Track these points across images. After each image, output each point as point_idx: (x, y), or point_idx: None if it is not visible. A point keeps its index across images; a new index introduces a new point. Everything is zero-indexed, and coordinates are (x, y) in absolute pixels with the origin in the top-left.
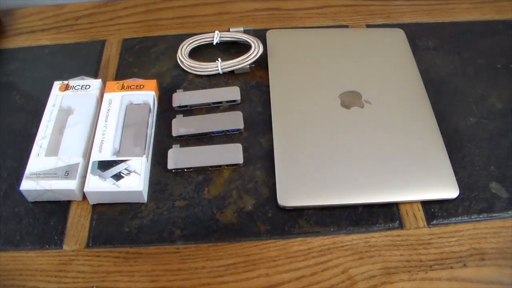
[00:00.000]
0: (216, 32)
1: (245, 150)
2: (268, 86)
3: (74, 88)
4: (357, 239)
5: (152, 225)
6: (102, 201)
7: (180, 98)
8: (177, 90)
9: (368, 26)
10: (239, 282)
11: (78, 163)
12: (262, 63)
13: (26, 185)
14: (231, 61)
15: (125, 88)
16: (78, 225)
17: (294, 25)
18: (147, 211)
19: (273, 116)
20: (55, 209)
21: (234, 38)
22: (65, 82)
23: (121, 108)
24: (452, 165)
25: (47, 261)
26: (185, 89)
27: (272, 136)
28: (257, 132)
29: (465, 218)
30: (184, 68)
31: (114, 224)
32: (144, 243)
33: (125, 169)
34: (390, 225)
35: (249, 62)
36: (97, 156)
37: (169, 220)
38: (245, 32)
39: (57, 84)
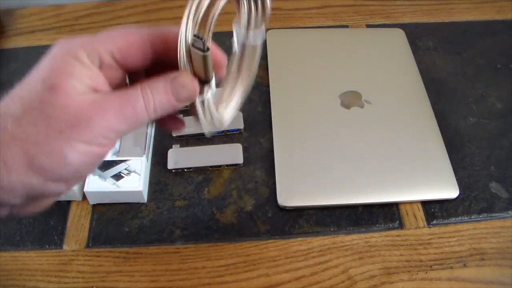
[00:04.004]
0: None
1: (245, 150)
2: (268, 86)
3: None
4: (357, 239)
5: (152, 225)
6: (102, 201)
7: None
8: None
9: (368, 26)
10: (239, 282)
11: None
12: (262, 63)
13: None
14: None
15: None
16: (78, 225)
17: (294, 25)
18: (147, 211)
19: (273, 116)
20: (55, 209)
21: None
22: None
23: None
24: (452, 165)
25: (47, 261)
26: None
27: (272, 136)
28: (257, 132)
29: (465, 218)
30: None
31: (114, 224)
32: (144, 243)
33: (125, 169)
34: (390, 225)
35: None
36: None
37: (169, 220)
38: None
39: None
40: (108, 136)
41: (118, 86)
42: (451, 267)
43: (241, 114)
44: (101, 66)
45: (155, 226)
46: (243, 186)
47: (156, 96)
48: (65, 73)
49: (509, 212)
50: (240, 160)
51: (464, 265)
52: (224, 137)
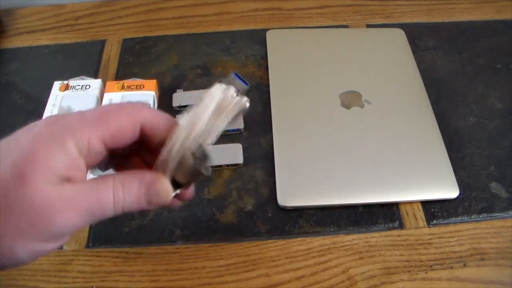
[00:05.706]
0: None
1: (245, 150)
2: (268, 86)
3: (74, 88)
4: (357, 239)
5: (152, 225)
6: None
7: (180, 98)
8: (177, 90)
9: (368, 26)
10: (239, 282)
11: None
12: (262, 63)
13: None
14: None
15: (125, 88)
16: None
17: (294, 25)
18: (147, 211)
19: (273, 116)
20: None
21: None
22: (65, 82)
23: None
24: (452, 165)
25: (47, 261)
26: (185, 89)
27: (272, 136)
28: (257, 132)
29: (465, 218)
30: None
31: (114, 224)
32: (144, 243)
33: None
34: (390, 225)
35: None
36: None
37: (169, 220)
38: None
39: (57, 84)
40: (66, 231)
41: (98, 164)
42: (451, 267)
43: (241, 114)
44: (88, 153)
45: (155, 226)
46: (243, 186)
47: (127, 197)
48: (40, 161)
49: (509, 212)
50: (240, 160)
51: (464, 265)
52: (224, 137)
